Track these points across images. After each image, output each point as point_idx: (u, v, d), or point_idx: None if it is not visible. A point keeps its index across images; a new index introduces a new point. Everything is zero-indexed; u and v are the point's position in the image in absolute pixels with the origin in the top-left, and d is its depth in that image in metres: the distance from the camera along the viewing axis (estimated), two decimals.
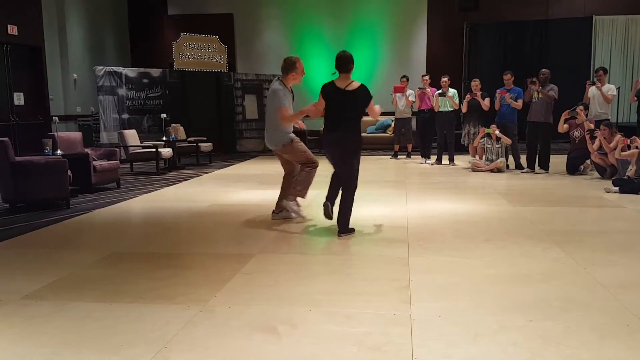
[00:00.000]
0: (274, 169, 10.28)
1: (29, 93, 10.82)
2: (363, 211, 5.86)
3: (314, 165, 5.41)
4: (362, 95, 4.74)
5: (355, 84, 4.74)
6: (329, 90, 4.81)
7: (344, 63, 4.73)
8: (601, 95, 8.59)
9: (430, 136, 10.58)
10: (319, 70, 13.67)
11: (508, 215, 5.72)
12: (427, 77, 10.50)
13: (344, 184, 4.88)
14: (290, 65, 5.34)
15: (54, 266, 4.09)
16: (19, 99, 10.50)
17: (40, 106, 11.07)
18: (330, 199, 4.99)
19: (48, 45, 11.41)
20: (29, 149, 8.84)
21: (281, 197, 5.60)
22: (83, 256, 4.34)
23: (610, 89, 8.68)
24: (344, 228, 4.84)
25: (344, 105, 4.73)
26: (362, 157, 4.92)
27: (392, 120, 12.09)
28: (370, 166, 10.26)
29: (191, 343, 2.71)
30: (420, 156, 10.72)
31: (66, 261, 4.22)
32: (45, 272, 3.92)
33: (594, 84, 8.79)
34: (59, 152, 7.20)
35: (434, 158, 10.36)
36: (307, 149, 5.54)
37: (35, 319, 3.06)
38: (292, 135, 5.43)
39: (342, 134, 4.76)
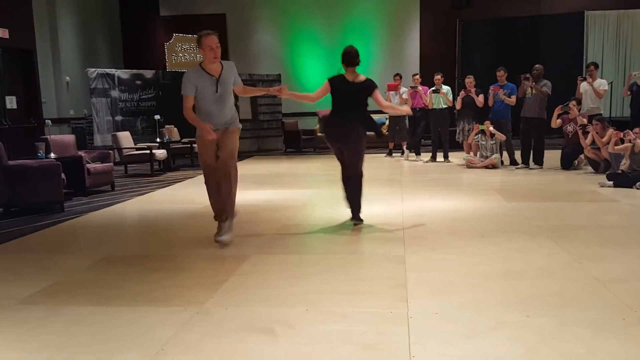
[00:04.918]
0: (267, 169, 10.28)
1: (22, 96, 10.75)
2: None
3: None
4: (368, 86, 5.00)
5: (362, 77, 5.03)
6: (338, 82, 5.02)
7: (351, 57, 5.04)
8: (593, 91, 8.62)
9: (422, 133, 10.62)
10: (312, 69, 13.75)
11: (503, 211, 5.73)
12: (417, 77, 10.56)
13: (351, 171, 5.16)
14: (197, 40, 4.51)
15: (48, 271, 4.06)
16: (11, 102, 10.42)
17: (33, 109, 10.99)
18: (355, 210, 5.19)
19: (40, 48, 11.33)
20: (22, 152, 8.76)
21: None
22: (77, 260, 4.32)
23: (601, 84, 8.70)
24: (358, 215, 5.16)
25: (351, 97, 4.99)
26: None
27: (387, 119, 12.09)
28: (365, 164, 10.23)
29: (187, 346, 2.70)
30: (415, 154, 10.71)
31: (60, 265, 4.20)
32: (39, 277, 3.89)
33: (585, 79, 8.82)
34: (52, 155, 7.16)
35: (428, 155, 10.37)
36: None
37: (28, 324, 3.04)
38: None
39: (350, 123, 4.99)
